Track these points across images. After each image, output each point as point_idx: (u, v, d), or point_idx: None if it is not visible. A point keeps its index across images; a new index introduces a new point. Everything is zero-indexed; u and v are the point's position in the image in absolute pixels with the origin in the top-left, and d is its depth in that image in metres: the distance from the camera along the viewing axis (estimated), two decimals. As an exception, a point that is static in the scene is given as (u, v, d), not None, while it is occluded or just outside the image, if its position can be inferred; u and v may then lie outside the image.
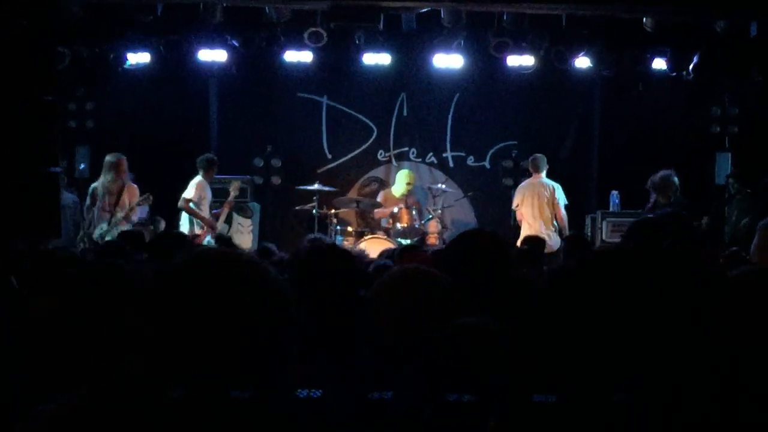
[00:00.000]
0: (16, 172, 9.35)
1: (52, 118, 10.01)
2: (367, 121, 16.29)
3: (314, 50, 13.98)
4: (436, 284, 3.44)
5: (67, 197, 13.15)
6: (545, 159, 13.95)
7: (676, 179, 12.41)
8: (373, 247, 12.26)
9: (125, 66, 14.27)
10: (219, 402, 1.79)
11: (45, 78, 9.85)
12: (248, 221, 14.30)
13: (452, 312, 3.30)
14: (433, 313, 3.27)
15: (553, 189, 13.73)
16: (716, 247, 10.31)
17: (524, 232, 13.12)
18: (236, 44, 14.05)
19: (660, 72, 14.53)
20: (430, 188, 15.19)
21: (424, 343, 2.97)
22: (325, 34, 13.36)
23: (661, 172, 12.54)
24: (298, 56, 14.28)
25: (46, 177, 9.58)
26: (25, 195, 9.25)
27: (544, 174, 13.84)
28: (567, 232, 13.28)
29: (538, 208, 13.68)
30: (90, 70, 14.13)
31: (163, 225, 13.97)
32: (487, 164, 16.39)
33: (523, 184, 14.01)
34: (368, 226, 15.01)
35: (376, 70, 14.98)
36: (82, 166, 13.65)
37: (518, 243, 12.90)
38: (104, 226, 12.34)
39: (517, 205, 13.84)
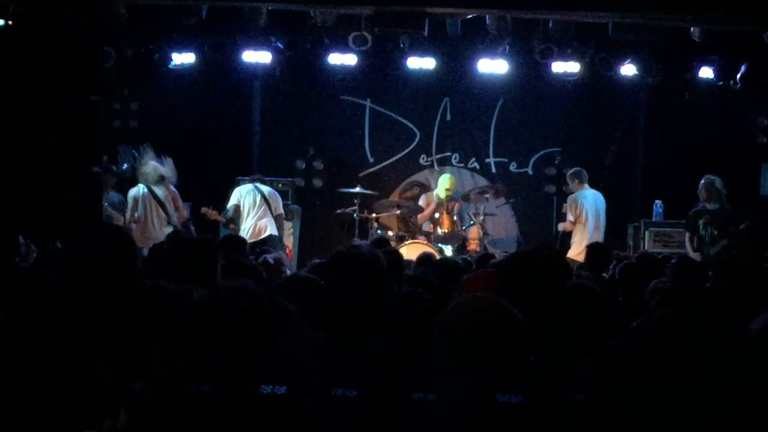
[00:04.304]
0: (60, 171, 9.43)
1: (98, 118, 10.09)
2: (410, 125, 16.24)
3: (359, 53, 13.95)
4: (510, 321, 3.41)
5: (113, 196, 13.20)
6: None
7: (707, 184, 12.48)
8: (414, 252, 12.21)
9: (170, 66, 14.32)
10: None
11: (91, 78, 9.92)
12: (289, 224, 14.29)
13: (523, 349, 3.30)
14: (503, 349, 3.26)
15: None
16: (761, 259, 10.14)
17: (585, 243, 13.09)
18: (281, 46, 14.06)
19: (707, 81, 14.39)
20: (472, 197, 15.11)
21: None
22: (369, 38, 13.31)
23: (705, 177, 12.60)
24: (343, 59, 14.25)
25: (89, 176, 9.65)
26: (68, 194, 9.31)
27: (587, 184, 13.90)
28: None
29: (599, 219, 13.72)
30: (135, 70, 14.20)
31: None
32: (529, 171, 16.30)
33: (580, 195, 13.84)
34: (409, 230, 14.97)
35: (421, 74, 14.95)
36: (125, 165, 13.71)
37: (575, 254, 13.04)
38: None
39: (578, 216, 13.71)
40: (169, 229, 12.40)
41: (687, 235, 12.69)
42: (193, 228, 13.82)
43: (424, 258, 9.03)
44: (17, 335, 3.46)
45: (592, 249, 9.76)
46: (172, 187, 12.82)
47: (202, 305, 1.76)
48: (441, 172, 15.79)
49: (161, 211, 12.63)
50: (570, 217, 13.77)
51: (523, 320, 3.40)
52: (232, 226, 13.36)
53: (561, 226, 14.24)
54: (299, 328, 1.77)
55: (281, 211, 13.58)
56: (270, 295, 1.78)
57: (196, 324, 1.72)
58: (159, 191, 12.62)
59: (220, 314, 1.73)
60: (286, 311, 1.77)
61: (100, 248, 3.83)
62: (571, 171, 14.12)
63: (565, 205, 14.39)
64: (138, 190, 12.61)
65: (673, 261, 7.95)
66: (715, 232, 12.39)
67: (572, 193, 14.07)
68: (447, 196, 14.73)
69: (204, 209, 13.52)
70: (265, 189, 13.51)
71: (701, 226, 12.48)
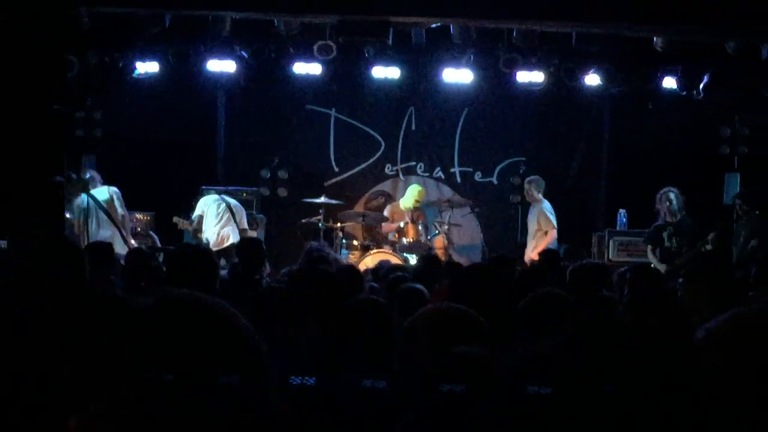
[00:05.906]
0: (22, 181, 9.36)
1: (61, 127, 10.02)
2: (375, 134, 16.25)
3: (323, 63, 13.93)
4: (474, 326, 3.44)
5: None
6: None
7: (673, 197, 12.62)
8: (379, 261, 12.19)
9: (134, 75, 14.24)
10: None
11: (54, 87, 9.85)
12: (254, 233, 14.23)
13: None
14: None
15: None
16: (725, 268, 10.21)
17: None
18: (245, 55, 14.02)
19: (670, 91, 14.47)
20: (436, 203, 15.16)
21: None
22: (334, 47, 13.29)
23: (659, 193, 12.78)
24: (307, 68, 14.21)
25: (50, 185, 9.58)
26: (30, 203, 9.25)
27: None
28: None
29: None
30: (99, 79, 14.11)
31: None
32: (494, 180, 16.33)
33: (546, 206, 14.16)
34: (374, 240, 14.97)
35: (385, 83, 14.96)
36: (88, 175, 13.62)
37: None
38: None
39: (552, 226, 14.04)
40: (107, 233, 12.50)
41: (649, 247, 12.88)
42: (156, 237, 13.84)
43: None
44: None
45: (548, 255, 9.94)
46: (111, 191, 12.95)
47: (147, 313, 1.75)
48: (407, 182, 15.83)
49: (101, 215, 12.76)
50: (547, 228, 14.00)
51: (486, 324, 3.43)
52: (199, 235, 13.35)
53: (532, 253, 14.20)
54: (243, 332, 1.77)
55: (245, 226, 13.64)
56: (213, 302, 1.77)
57: (141, 331, 1.71)
58: (100, 197, 12.76)
59: (165, 322, 1.72)
60: (229, 317, 1.77)
61: (46, 257, 3.81)
62: (532, 178, 14.31)
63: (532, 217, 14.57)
64: (82, 199, 12.71)
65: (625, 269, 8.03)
66: (682, 243, 12.56)
67: (533, 200, 14.31)
68: (414, 207, 14.77)
69: (176, 219, 13.57)
70: (232, 201, 13.62)
71: (666, 238, 12.64)
